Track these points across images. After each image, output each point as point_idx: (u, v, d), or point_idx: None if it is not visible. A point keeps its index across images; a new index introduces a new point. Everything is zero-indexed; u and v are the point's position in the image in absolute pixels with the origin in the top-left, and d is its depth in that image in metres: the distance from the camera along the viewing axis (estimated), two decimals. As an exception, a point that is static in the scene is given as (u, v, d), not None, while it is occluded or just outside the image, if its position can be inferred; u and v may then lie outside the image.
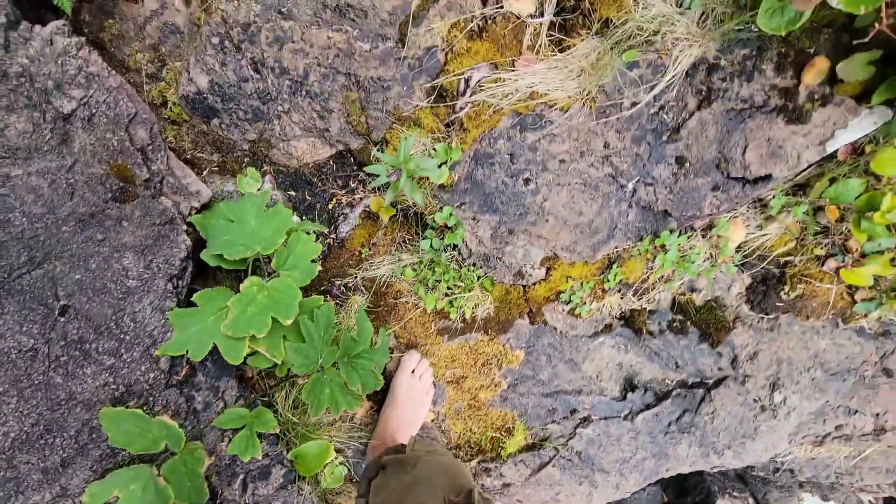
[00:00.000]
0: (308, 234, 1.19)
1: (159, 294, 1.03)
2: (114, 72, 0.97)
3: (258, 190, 1.27)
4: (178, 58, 1.20)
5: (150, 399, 1.04)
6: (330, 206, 1.34)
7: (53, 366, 0.92)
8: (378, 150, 1.23)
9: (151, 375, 1.03)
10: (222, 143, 1.26)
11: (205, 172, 1.29)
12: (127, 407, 1.01)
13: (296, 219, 1.31)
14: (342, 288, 1.39)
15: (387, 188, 1.20)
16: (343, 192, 1.33)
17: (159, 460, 1.01)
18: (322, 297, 1.21)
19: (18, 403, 0.89)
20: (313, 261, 1.17)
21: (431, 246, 1.31)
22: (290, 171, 1.30)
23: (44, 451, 0.92)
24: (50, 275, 0.91)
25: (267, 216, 1.10)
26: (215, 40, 1.12)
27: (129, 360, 0.99)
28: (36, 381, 0.90)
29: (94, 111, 0.95)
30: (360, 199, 1.33)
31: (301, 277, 1.13)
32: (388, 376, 1.39)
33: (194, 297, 1.04)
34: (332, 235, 1.36)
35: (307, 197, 1.32)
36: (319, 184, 1.32)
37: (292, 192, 1.32)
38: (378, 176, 1.07)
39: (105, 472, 0.98)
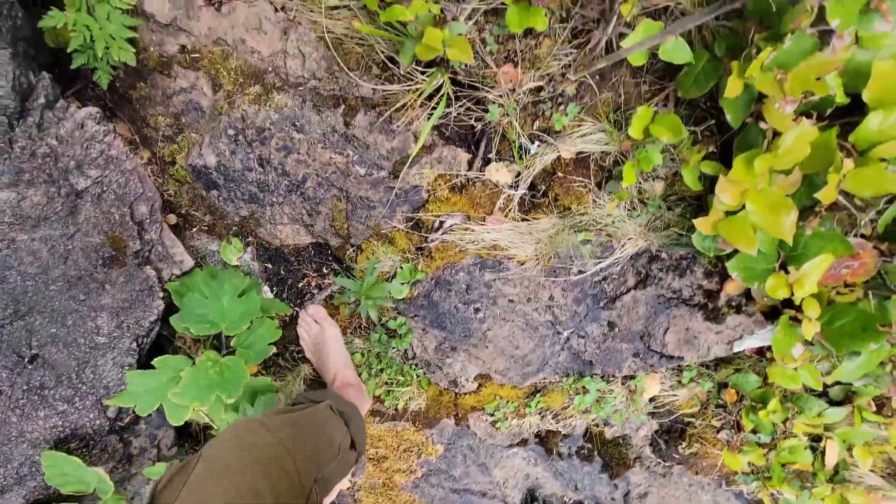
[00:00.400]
0: (272, 318, 1.32)
1: (123, 351, 1.14)
2: (131, 155, 1.09)
3: (239, 259, 1.39)
4: (194, 130, 1.32)
5: (91, 442, 1.14)
6: (300, 285, 1.46)
7: (12, 406, 1.02)
8: (353, 251, 1.37)
9: (98, 422, 1.13)
10: (216, 210, 1.38)
11: (194, 230, 1.41)
12: (69, 448, 1.11)
13: (266, 290, 1.44)
14: (294, 354, 1.51)
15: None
16: (315, 274, 1.45)
17: (85, 502, 1.12)
18: (270, 377, 1.33)
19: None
20: (271, 343, 1.30)
21: (380, 341, 1.45)
22: (272, 248, 1.43)
23: (-17, 479, 1.02)
24: (29, 327, 1.02)
25: (239, 301, 1.22)
26: (231, 132, 1.25)
27: (80, 407, 1.10)
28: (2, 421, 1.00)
29: (105, 189, 1.06)
30: (329, 284, 1.45)
31: (255, 357, 1.26)
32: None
33: (154, 362, 1.15)
34: (297, 308, 1.48)
35: (282, 272, 1.45)
36: (296, 263, 1.45)
37: (269, 265, 1.44)
38: (345, 289, 1.21)
39: (35, 502, 1.09)
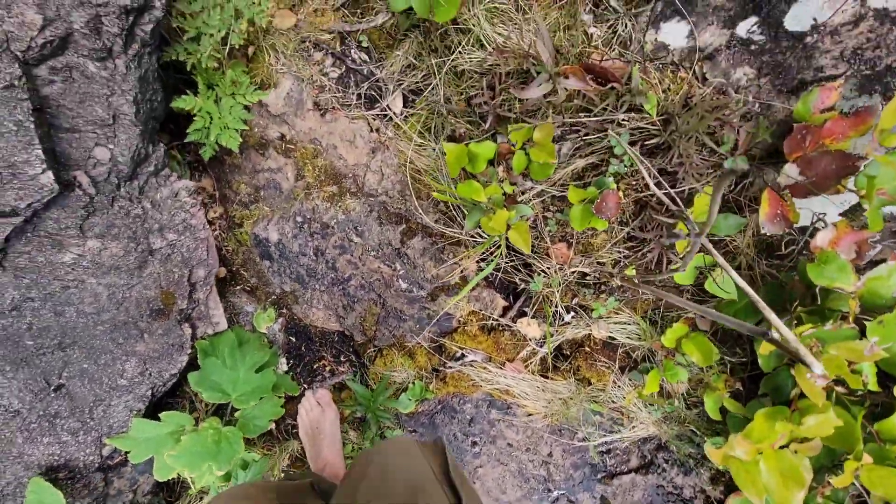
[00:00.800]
0: (280, 396, 1.36)
1: (137, 396, 1.19)
2: (205, 224, 1.20)
3: (267, 327, 1.46)
4: (268, 205, 1.44)
5: (78, 476, 1.17)
6: (316, 365, 1.51)
7: (22, 428, 1.08)
8: (374, 351, 1.42)
9: (91, 458, 1.17)
10: (263, 277, 1.47)
11: (238, 287, 1.50)
12: (57, 477, 1.15)
13: (283, 362, 1.49)
14: (289, 428, 1.53)
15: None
16: (332, 360, 1.50)
17: (52, 536, 1.13)
18: (260, 447, 1.35)
19: (-21, 446, 1.05)
20: (271, 420, 1.33)
21: (373, 441, 1.45)
22: (301, 324, 1.49)
23: (-28, 490, 1.06)
24: (66, 358, 1.09)
25: (255, 376, 1.27)
26: (299, 219, 1.36)
27: (82, 441, 1.15)
28: (11, 437, 1.06)
29: (175, 251, 1.16)
30: (342, 372, 1.49)
31: (253, 430, 1.29)
32: None
33: (162, 416, 1.20)
34: (306, 385, 1.52)
35: (303, 349, 1.50)
36: (318, 344, 1.50)
37: (293, 339, 1.50)
38: (359, 401, 1.24)
39: (6, 522, 1.11)
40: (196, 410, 1.43)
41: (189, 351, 1.25)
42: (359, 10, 1.35)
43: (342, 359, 1.51)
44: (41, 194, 0.94)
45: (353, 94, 1.38)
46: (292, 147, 1.39)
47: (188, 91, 1.20)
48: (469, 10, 0.95)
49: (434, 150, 1.22)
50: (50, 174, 0.94)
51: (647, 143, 0.87)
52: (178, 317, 1.22)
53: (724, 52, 0.87)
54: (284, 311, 1.50)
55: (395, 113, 1.33)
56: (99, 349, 1.13)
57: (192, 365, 1.28)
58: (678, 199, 0.88)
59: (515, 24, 0.93)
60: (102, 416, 1.16)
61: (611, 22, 0.89)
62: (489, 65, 0.94)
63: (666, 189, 0.86)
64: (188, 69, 1.19)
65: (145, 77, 1.04)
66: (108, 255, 1.08)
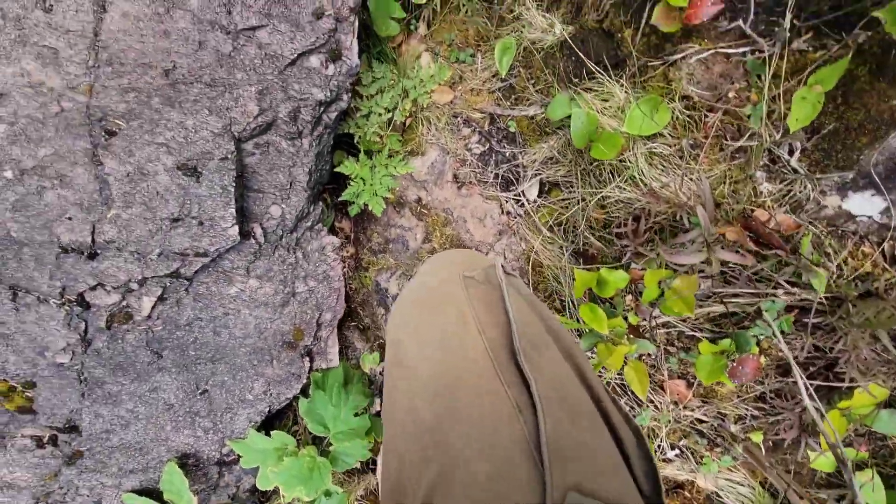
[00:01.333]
0: (370, 440, 1.46)
1: (257, 411, 1.37)
2: (341, 276, 1.34)
3: (370, 369, 1.58)
4: (394, 258, 1.56)
5: (202, 465, 1.38)
6: (405, 413, 1.59)
7: (172, 419, 1.30)
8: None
9: (214, 454, 1.37)
10: (376, 322, 1.59)
11: (353, 324, 1.65)
12: (187, 463, 1.36)
13: (378, 403, 1.60)
14: (369, 464, 1.64)
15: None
16: (421, 412, 1.58)
17: (173, 512, 1.35)
18: (342, 480, 1.47)
19: (134, 421, 1.29)
20: (358, 460, 1.43)
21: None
22: (400, 372, 1.59)
23: (114, 454, 1.30)
24: (214, 370, 1.30)
25: (354, 419, 1.39)
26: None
27: (210, 439, 1.35)
28: (156, 421, 1.29)
29: (311, 295, 1.32)
30: (428, 427, 1.56)
31: (341, 466, 1.40)
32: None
33: (272, 433, 1.36)
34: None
35: (396, 394, 1.60)
36: (411, 394, 1.59)
37: (390, 383, 1.61)
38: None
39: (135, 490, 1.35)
40: (297, 425, 1.60)
41: (304, 380, 1.40)
42: (513, 97, 1.40)
43: (430, 414, 1.57)
44: (227, 242, 1.13)
45: (491, 172, 1.44)
46: (426, 212, 1.49)
47: (351, 152, 1.36)
48: (630, 148, 0.95)
49: (561, 247, 1.23)
50: (236, 228, 1.12)
51: (805, 318, 0.79)
52: (303, 350, 1.38)
53: (926, 238, 0.75)
54: (388, 356, 1.61)
55: (528, 199, 1.36)
56: (238, 367, 1.32)
57: (303, 391, 1.43)
58: (817, 402, 0.78)
59: (677, 169, 0.90)
60: (229, 422, 1.36)
61: (787, 181, 0.82)
62: (640, 205, 0.92)
63: (812, 383, 0.77)
64: (355, 140, 1.35)
65: (321, 152, 1.19)
66: (262, 292, 1.26)
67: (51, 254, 1.04)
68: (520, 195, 1.37)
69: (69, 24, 0.87)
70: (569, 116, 1.08)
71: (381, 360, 1.61)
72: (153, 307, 1.17)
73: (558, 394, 0.44)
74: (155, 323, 1.20)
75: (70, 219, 1.02)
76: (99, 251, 1.07)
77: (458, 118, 1.48)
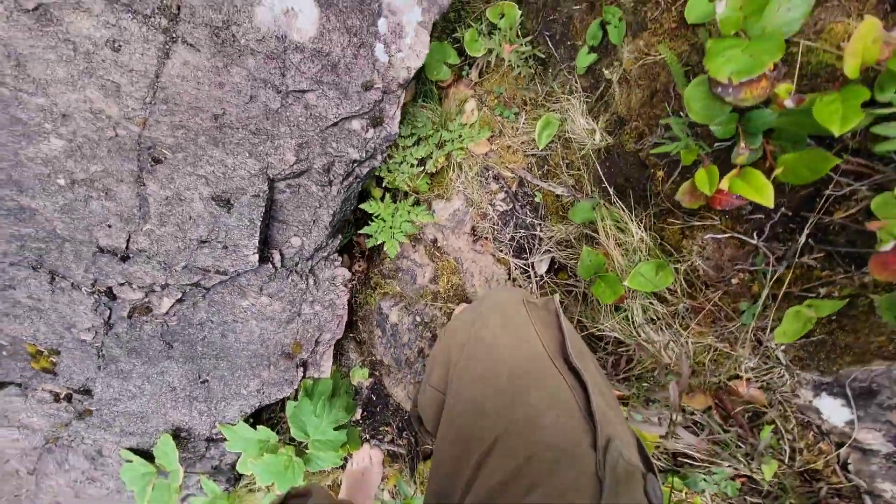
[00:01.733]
0: (344, 452, 1.59)
1: (249, 405, 1.50)
2: (346, 305, 1.42)
3: (358, 381, 1.69)
4: (399, 286, 1.63)
5: (192, 438, 1.53)
6: (381, 428, 1.71)
7: (173, 400, 1.43)
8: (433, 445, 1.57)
9: (204, 431, 1.52)
10: (372, 339, 1.69)
11: (350, 335, 1.74)
12: (179, 435, 1.51)
13: (359, 411, 1.72)
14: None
15: None
16: (395, 432, 1.69)
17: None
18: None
19: (139, 395, 1.43)
20: (329, 464, 1.57)
21: (399, 518, 1.63)
22: (384, 391, 1.70)
23: (118, 418, 1.45)
24: (216, 365, 1.41)
25: (333, 431, 1.51)
26: (417, 318, 1.53)
27: (204, 421, 1.49)
28: (159, 398, 1.43)
29: (315, 317, 1.41)
30: (399, 446, 1.68)
31: (313, 466, 1.54)
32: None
33: (258, 428, 1.49)
34: (367, 437, 1.74)
35: (377, 409, 1.71)
36: (391, 413, 1.70)
37: (374, 398, 1.72)
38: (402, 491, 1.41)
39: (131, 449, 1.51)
40: (281, 419, 1.74)
41: (295, 386, 1.52)
42: (545, 168, 1.41)
43: (404, 435, 1.69)
44: (246, 266, 1.21)
45: (508, 234, 1.47)
46: (438, 255, 1.54)
47: (380, 181, 1.40)
48: (629, 295, 0.97)
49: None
50: (256, 256, 1.20)
51: (749, 497, 0.84)
52: (298, 362, 1.48)
53: (881, 459, 0.78)
54: (376, 373, 1.71)
55: (535, 272, 1.40)
56: (238, 367, 1.43)
57: (294, 395, 1.55)
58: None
59: (668, 329, 0.93)
60: (223, 409, 1.49)
61: (769, 365, 0.85)
62: (626, 348, 0.96)
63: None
64: (384, 183, 1.39)
65: (348, 198, 1.24)
66: (270, 309, 1.35)
67: (89, 251, 1.14)
68: (529, 266, 1.41)
69: (134, 65, 0.91)
70: (591, 221, 1.10)
71: (370, 375, 1.71)
72: (171, 306, 1.28)
73: (596, 384, 0.64)
74: (171, 318, 1.31)
75: (110, 226, 1.10)
76: (131, 256, 1.16)
77: (490, 172, 1.49)
